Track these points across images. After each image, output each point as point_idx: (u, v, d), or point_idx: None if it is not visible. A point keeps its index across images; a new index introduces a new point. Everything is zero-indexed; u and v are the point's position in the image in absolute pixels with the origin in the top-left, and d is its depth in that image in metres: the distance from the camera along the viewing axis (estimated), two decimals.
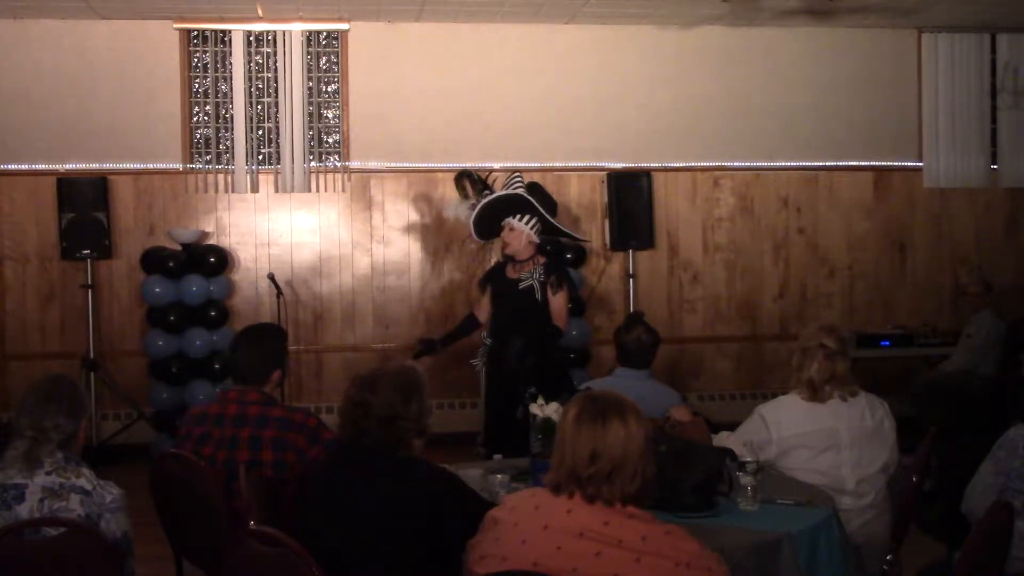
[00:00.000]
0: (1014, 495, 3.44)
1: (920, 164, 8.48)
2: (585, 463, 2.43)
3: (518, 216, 5.65)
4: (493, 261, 6.48)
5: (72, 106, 7.63)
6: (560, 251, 7.16)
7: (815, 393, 3.73)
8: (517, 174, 6.18)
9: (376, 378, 3.00)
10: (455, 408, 7.83)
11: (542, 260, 5.65)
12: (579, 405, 2.53)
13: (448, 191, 7.93)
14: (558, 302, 5.54)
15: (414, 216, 7.98)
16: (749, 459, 3.27)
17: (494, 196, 5.96)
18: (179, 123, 7.78)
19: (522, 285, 5.56)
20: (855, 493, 3.65)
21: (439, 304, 7.94)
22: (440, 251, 7.91)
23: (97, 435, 7.37)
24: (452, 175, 7.89)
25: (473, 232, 6.11)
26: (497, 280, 5.75)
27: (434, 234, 7.96)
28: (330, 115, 8.02)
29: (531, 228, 5.67)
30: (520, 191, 5.89)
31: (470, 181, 6.48)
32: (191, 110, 7.85)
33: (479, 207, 5.91)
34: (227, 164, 7.84)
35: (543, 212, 5.82)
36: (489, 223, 5.85)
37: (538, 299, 5.51)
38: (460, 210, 6.50)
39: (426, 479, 2.90)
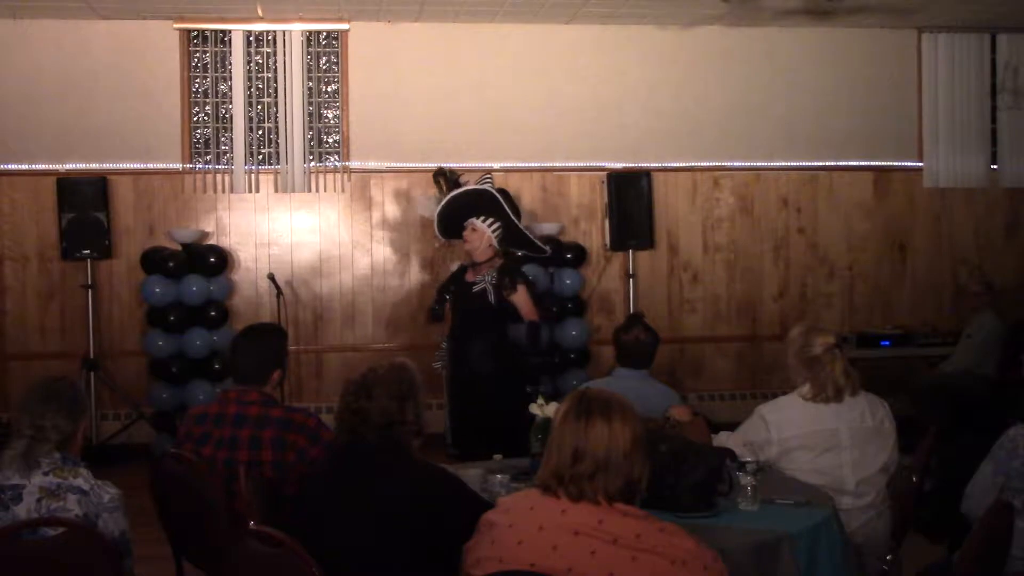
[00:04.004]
0: (1014, 495, 3.44)
1: (920, 164, 8.48)
2: (568, 462, 2.42)
3: (481, 218, 5.74)
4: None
5: (72, 106, 7.64)
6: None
7: (839, 394, 3.72)
8: (488, 175, 6.28)
9: (370, 384, 2.99)
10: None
11: (499, 262, 5.71)
12: (568, 404, 2.53)
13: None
14: (520, 299, 5.58)
15: (414, 216, 7.98)
16: (749, 459, 3.26)
17: (462, 190, 6.06)
18: (179, 123, 7.78)
19: (476, 288, 5.62)
20: (855, 493, 3.64)
21: None
22: (441, 251, 7.89)
23: (97, 435, 7.38)
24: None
25: (437, 229, 6.22)
26: (457, 284, 5.83)
27: (434, 234, 7.94)
28: (330, 115, 8.02)
29: (492, 231, 5.75)
30: (488, 187, 6.01)
31: (444, 179, 6.61)
32: (191, 110, 7.85)
33: (445, 201, 6.01)
34: (227, 164, 7.84)
35: (509, 213, 5.95)
36: (454, 222, 5.93)
37: (491, 301, 5.56)
38: (430, 207, 6.62)
39: (426, 480, 2.90)
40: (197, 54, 7.88)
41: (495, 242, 5.74)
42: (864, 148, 8.41)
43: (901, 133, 8.48)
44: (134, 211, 7.74)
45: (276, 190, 7.84)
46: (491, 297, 5.55)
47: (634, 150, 8.13)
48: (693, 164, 8.26)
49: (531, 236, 6.27)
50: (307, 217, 7.90)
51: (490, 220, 5.74)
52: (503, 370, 5.43)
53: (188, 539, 3.68)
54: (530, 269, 7.52)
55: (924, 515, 4.81)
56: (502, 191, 6.04)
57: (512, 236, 5.94)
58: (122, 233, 7.69)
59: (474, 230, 5.74)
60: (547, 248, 6.56)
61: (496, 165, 8.03)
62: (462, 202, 5.91)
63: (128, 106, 7.68)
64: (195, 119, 7.89)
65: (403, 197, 7.98)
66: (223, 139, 7.89)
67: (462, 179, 6.51)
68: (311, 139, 7.93)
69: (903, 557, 3.86)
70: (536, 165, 8.08)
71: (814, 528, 3.09)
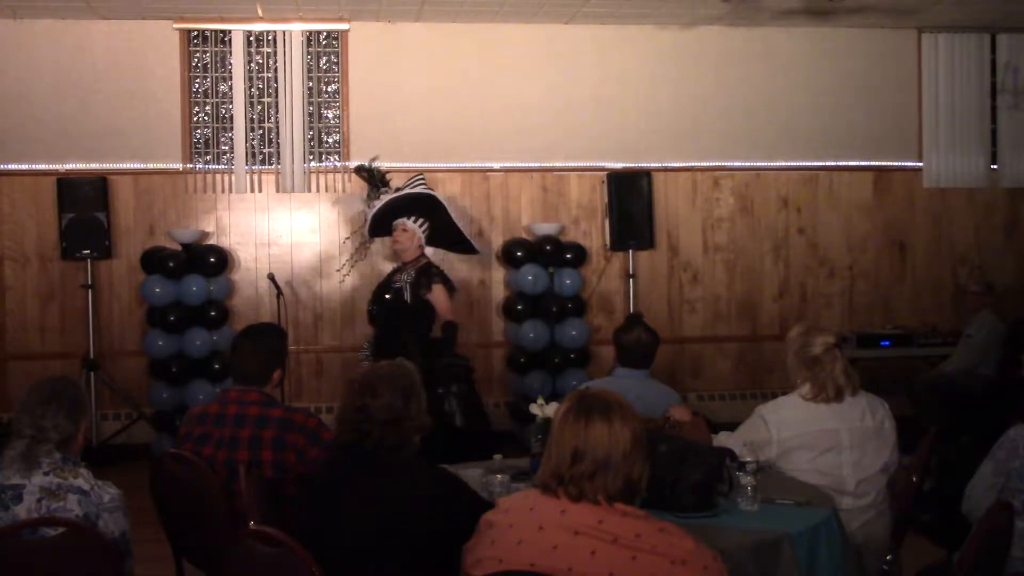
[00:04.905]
0: (1014, 495, 3.45)
1: (920, 164, 8.48)
2: (567, 463, 2.42)
3: (412, 218, 5.88)
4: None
5: (72, 106, 7.63)
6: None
7: (839, 394, 3.71)
8: (420, 175, 6.44)
9: (374, 381, 3.00)
10: None
11: (422, 262, 5.90)
12: (567, 404, 2.53)
13: (449, 191, 7.97)
14: (436, 298, 5.79)
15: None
16: (749, 459, 3.26)
17: (404, 193, 6.22)
18: (179, 123, 7.78)
19: (395, 285, 5.79)
20: (855, 494, 3.64)
21: None
22: (440, 251, 7.87)
23: (97, 435, 7.37)
24: (452, 175, 8.04)
25: (367, 229, 6.40)
26: (381, 283, 6.05)
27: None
28: (330, 115, 8.01)
29: (421, 231, 5.91)
30: (422, 189, 6.21)
31: (368, 175, 6.86)
32: (191, 110, 7.85)
33: (386, 200, 6.17)
34: (227, 164, 7.84)
35: (451, 214, 6.16)
36: (384, 221, 6.10)
37: (407, 300, 5.69)
38: (357, 206, 6.91)
39: (427, 480, 2.90)
40: (197, 54, 7.88)
41: (423, 241, 5.93)
42: (864, 148, 8.41)
43: (901, 133, 8.47)
44: (134, 211, 7.74)
45: (276, 190, 7.84)
46: (407, 296, 5.70)
47: (634, 150, 8.13)
48: (693, 164, 8.26)
49: (466, 235, 6.55)
50: (307, 217, 7.89)
51: (420, 220, 5.92)
52: (422, 368, 5.54)
53: (188, 539, 3.69)
54: (531, 269, 7.58)
55: (925, 517, 4.82)
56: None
57: (441, 235, 6.15)
58: (122, 233, 7.69)
59: (405, 230, 5.95)
60: (478, 249, 6.90)
61: (496, 165, 8.04)
62: (397, 203, 6.11)
63: (128, 106, 7.68)
64: (195, 119, 7.88)
65: None
66: (223, 139, 7.89)
67: (388, 176, 6.87)
68: (311, 139, 7.92)
69: (903, 557, 3.86)
70: (536, 165, 8.08)
71: (814, 528, 3.09)
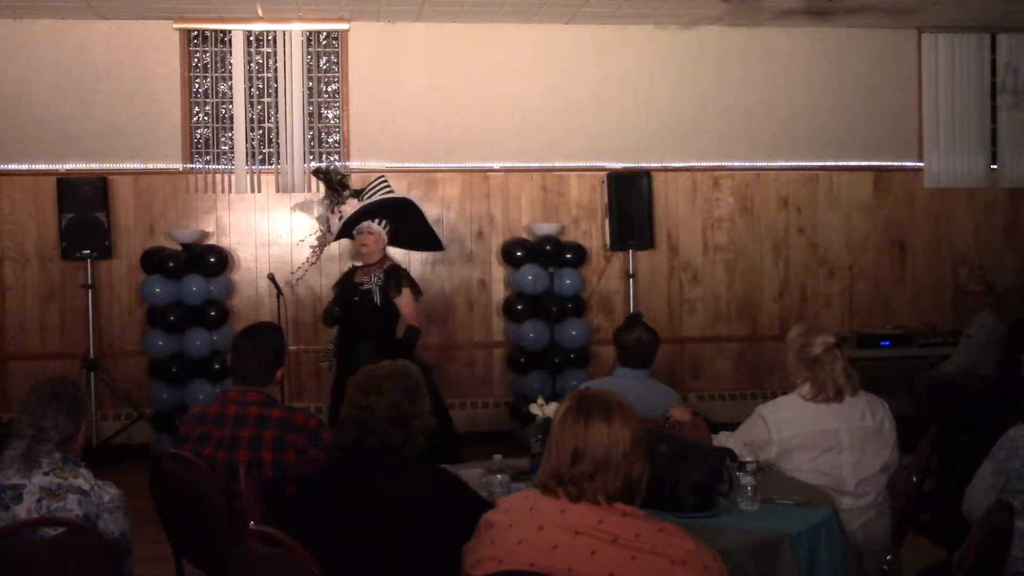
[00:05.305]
0: (1014, 495, 3.45)
1: (920, 164, 8.48)
2: (567, 463, 2.42)
3: (376, 220, 5.90)
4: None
5: (72, 106, 7.64)
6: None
7: (839, 394, 3.71)
8: (382, 176, 6.45)
9: (379, 380, 3.00)
10: (467, 408, 7.87)
11: (387, 264, 5.89)
12: (567, 404, 2.53)
13: (449, 191, 7.98)
14: (403, 302, 5.78)
15: None
16: (749, 459, 3.26)
17: (379, 199, 6.24)
18: (179, 123, 7.78)
19: (363, 288, 5.78)
20: (855, 493, 3.64)
21: (440, 303, 7.94)
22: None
23: (97, 435, 7.37)
24: (452, 175, 8.04)
25: (335, 233, 6.42)
26: (345, 285, 6.00)
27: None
28: (330, 115, 8.01)
29: (385, 232, 5.95)
30: (388, 193, 6.24)
31: (325, 177, 6.88)
32: (191, 110, 7.85)
33: (360, 207, 6.23)
34: (227, 164, 7.84)
35: (426, 218, 6.25)
36: (349, 224, 6.14)
37: (377, 302, 5.70)
38: (315, 208, 6.94)
39: (427, 480, 2.90)
40: (197, 54, 7.88)
41: (387, 243, 5.97)
42: (864, 148, 8.41)
43: (901, 133, 8.48)
44: (134, 211, 7.74)
45: (277, 190, 7.84)
46: (377, 298, 5.71)
47: (634, 150, 8.13)
48: (693, 164, 8.26)
49: (437, 235, 6.57)
50: (307, 217, 7.88)
51: (384, 223, 5.94)
52: None
53: (188, 539, 3.69)
54: (531, 269, 7.58)
55: (925, 517, 4.82)
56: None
57: (404, 235, 6.17)
58: (122, 233, 7.69)
59: (370, 233, 5.93)
60: (444, 246, 6.92)
61: (496, 165, 8.04)
62: (367, 208, 6.16)
63: (128, 106, 7.68)
64: (195, 119, 7.88)
65: None
66: (223, 139, 7.89)
67: (348, 179, 6.96)
68: (311, 139, 7.93)
69: (903, 557, 3.86)
70: (536, 165, 8.08)
71: (814, 528, 3.09)
